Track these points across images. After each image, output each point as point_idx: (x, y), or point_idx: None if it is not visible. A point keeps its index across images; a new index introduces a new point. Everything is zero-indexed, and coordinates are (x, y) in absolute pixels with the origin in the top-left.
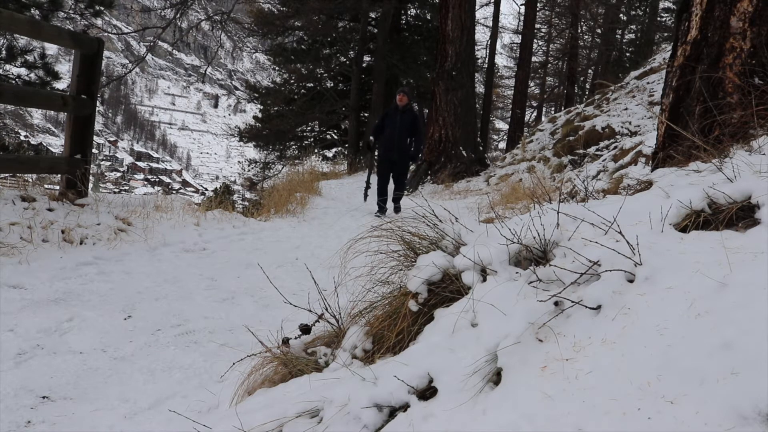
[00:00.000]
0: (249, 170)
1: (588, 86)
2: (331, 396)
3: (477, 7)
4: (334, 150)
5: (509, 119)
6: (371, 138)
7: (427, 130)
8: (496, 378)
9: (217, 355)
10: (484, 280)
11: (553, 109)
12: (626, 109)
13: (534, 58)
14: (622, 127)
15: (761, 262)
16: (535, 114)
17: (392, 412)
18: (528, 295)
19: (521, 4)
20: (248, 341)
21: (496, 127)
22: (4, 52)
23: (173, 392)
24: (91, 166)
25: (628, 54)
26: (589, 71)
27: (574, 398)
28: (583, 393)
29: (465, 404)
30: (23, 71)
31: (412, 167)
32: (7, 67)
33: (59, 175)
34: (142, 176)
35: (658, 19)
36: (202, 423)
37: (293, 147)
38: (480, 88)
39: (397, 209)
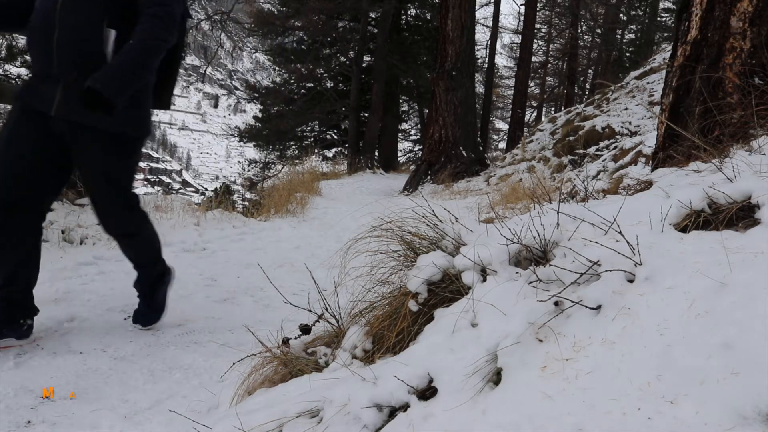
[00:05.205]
0: (249, 170)
1: (588, 86)
2: (331, 396)
3: (477, 7)
4: (334, 150)
5: (509, 119)
6: None
7: (427, 129)
8: (496, 378)
9: (217, 355)
10: (484, 280)
11: (553, 109)
12: (626, 109)
13: (534, 58)
14: (622, 127)
15: (761, 262)
16: (535, 114)
17: (392, 412)
18: (528, 295)
19: (521, 4)
20: (248, 341)
21: (496, 127)
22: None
23: (173, 392)
24: None
25: (628, 54)
26: (589, 71)
27: (574, 398)
28: (583, 393)
29: (465, 404)
30: (23, 71)
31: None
32: (7, 67)
33: None
34: (142, 176)
35: (658, 19)
36: (202, 423)
37: (293, 147)
38: (480, 88)
39: None
